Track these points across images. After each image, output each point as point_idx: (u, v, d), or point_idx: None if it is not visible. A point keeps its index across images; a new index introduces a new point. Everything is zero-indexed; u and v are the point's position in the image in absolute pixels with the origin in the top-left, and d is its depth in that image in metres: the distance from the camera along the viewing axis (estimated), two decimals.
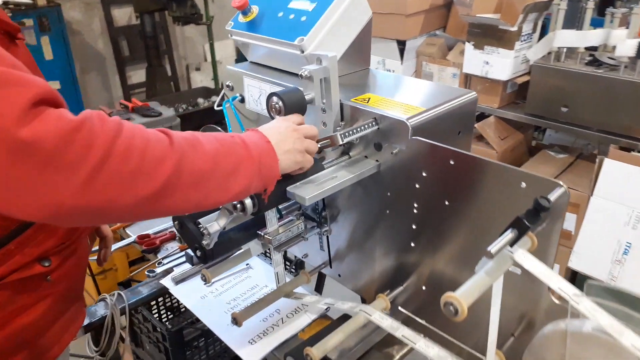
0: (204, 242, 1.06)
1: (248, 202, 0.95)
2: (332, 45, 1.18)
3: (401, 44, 2.78)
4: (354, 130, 1.01)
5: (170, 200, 0.73)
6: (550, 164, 2.63)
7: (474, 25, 2.52)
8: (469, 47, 2.57)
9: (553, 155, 2.72)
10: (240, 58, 1.55)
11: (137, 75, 5.18)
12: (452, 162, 0.92)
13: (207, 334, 1.62)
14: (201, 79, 5.63)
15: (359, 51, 1.27)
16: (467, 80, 2.69)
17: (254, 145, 0.86)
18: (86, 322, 1.35)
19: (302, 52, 1.15)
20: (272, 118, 1.03)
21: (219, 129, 1.29)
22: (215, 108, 1.31)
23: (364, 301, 1.40)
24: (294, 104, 1.01)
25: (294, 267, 1.65)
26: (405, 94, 1.16)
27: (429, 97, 1.13)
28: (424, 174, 0.98)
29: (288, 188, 0.97)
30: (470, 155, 0.89)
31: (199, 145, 0.78)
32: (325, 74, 1.04)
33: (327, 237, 1.29)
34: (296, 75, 1.06)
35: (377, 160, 1.07)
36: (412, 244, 1.07)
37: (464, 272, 0.99)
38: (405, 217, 1.06)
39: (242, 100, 1.34)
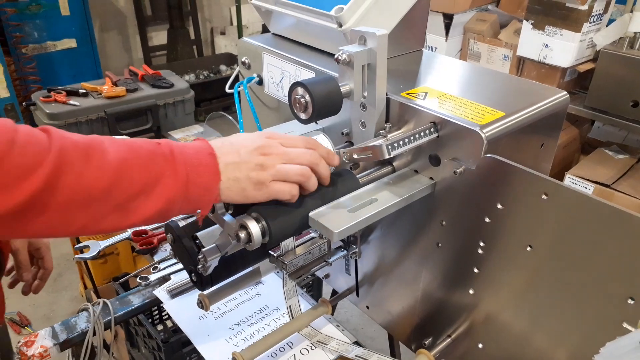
0: (199, 267, 0.82)
1: (255, 230, 0.70)
2: (379, 19, 0.91)
3: (447, 18, 2.47)
4: (406, 140, 0.74)
5: (38, 221, 0.59)
6: (608, 165, 2.32)
7: (534, 0, 2.19)
8: (526, 26, 2.25)
9: (611, 155, 2.40)
10: None
11: (159, 36, 4.92)
12: (544, 197, 0.65)
13: None
14: (225, 44, 5.33)
15: (411, 27, 1.00)
16: (520, 64, 2.37)
17: (184, 158, 0.65)
18: (63, 337, 1.13)
19: (340, 26, 0.88)
20: (296, 116, 0.76)
21: (229, 117, 1.03)
22: (227, 90, 1.05)
23: (391, 339, 1.16)
24: (325, 100, 0.74)
25: (309, 286, 1.41)
26: (475, 89, 0.87)
27: (508, 96, 0.85)
28: (499, 206, 0.72)
29: (311, 215, 0.71)
30: (581, 195, 0.61)
31: (96, 154, 0.61)
32: (371, 59, 0.77)
33: (356, 260, 1.04)
34: (331, 55, 0.79)
35: (431, 178, 0.81)
36: (471, 291, 0.81)
37: (546, 338, 0.73)
38: (465, 256, 0.80)
39: (260, 82, 1.08)
